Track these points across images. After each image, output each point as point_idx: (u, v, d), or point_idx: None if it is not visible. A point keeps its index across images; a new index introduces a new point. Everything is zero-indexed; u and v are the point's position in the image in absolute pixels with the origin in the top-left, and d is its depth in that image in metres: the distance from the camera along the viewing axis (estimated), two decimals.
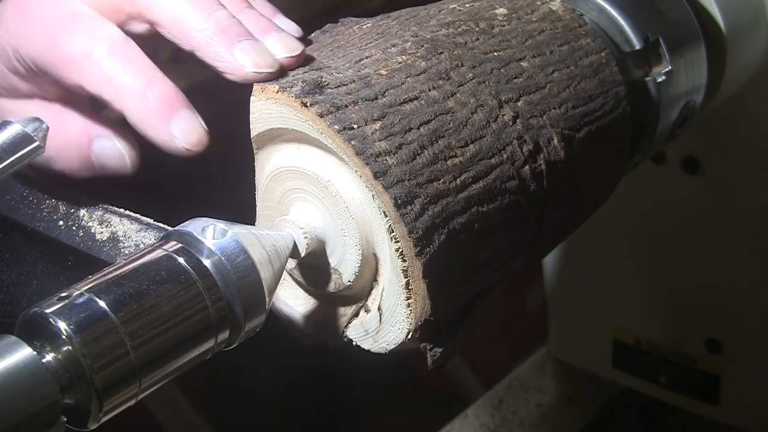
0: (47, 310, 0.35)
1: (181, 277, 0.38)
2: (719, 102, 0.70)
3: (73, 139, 0.50)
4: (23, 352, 0.34)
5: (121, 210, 0.46)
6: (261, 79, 0.46)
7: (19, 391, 0.34)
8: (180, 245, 0.40)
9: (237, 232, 0.41)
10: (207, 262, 0.39)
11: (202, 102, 0.48)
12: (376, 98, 0.44)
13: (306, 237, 0.45)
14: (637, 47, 0.60)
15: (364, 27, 0.52)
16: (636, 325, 0.95)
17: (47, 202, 0.47)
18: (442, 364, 0.48)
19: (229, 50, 0.46)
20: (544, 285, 1.02)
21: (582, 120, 0.52)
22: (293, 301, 0.50)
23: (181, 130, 0.46)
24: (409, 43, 0.48)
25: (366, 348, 0.48)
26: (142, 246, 0.43)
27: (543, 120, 0.49)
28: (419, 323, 0.45)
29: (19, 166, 0.42)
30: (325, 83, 0.44)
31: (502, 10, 0.54)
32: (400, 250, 0.43)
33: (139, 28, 0.49)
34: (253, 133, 0.47)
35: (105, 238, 0.44)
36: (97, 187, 0.50)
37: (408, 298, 0.44)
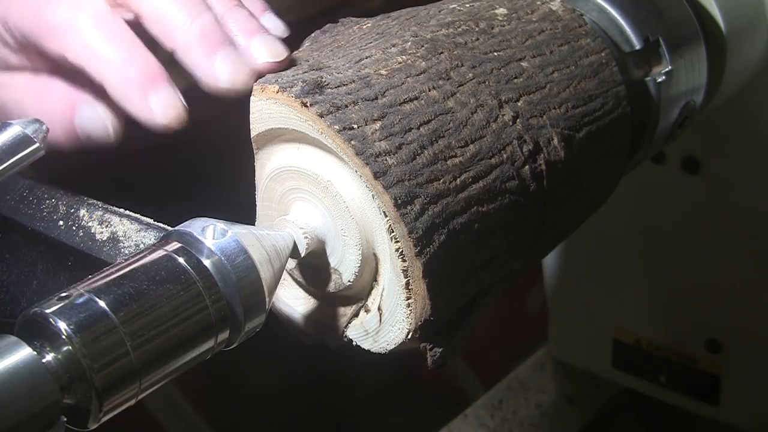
0: (47, 310, 0.35)
1: (181, 277, 0.38)
2: (719, 102, 0.70)
3: (57, 109, 0.50)
4: (23, 352, 0.34)
5: (121, 210, 0.46)
6: (232, 95, 0.46)
7: (19, 391, 0.34)
8: (180, 245, 0.40)
9: (237, 232, 0.41)
10: (207, 262, 0.39)
11: (202, 102, 0.48)
12: (376, 98, 0.44)
13: (306, 237, 0.45)
14: (637, 47, 0.60)
15: (364, 27, 0.52)
16: (636, 325, 0.95)
17: (47, 202, 0.47)
18: (442, 364, 0.48)
19: (209, 59, 0.46)
20: (544, 285, 1.02)
21: (582, 120, 0.52)
22: (293, 301, 0.50)
23: (159, 104, 0.46)
24: (409, 43, 0.48)
25: (366, 348, 0.48)
26: (142, 246, 0.43)
27: (543, 120, 0.49)
28: (419, 323, 0.45)
29: (19, 168, 0.42)
30: (325, 83, 0.44)
31: (502, 10, 0.54)
32: (400, 250, 0.43)
33: (126, 16, 0.49)
34: (253, 133, 0.47)
35: (105, 238, 0.44)
36: (97, 187, 0.50)
37: (408, 298, 0.44)
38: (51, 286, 0.45)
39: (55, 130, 0.49)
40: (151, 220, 0.45)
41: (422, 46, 0.48)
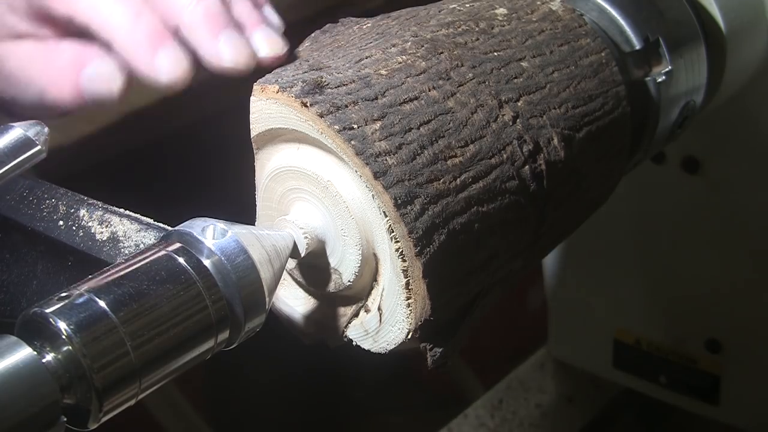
0: (47, 310, 0.35)
1: (181, 277, 0.38)
2: (719, 102, 0.70)
3: (64, 69, 0.51)
4: (23, 352, 0.34)
5: (121, 210, 0.46)
6: (234, 74, 0.46)
7: (19, 391, 0.34)
8: (180, 245, 0.40)
9: (237, 232, 0.41)
10: (207, 262, 0.39)
11: (202, 102, 0.48)
12: (376, 98, 0.44)
13: (306, 237, 0.46)
14: (637, 47, 0.60)
15: (364, 27, 0.52)
16: (636, 325, 0.95)
17: (47, 202, 0.47)
18: (442, 364, 0.48)
19: (213, 38, 0.47)
20: (544, 285, 1.02)
21: (582, 120, 0.52)
22: (293, 301, 0.50)
23: (166, 62, 0.47)
24: (409, 43, 0.48)
25: (366, 348, 0.48)
26: (142, 246, 0.43)
27: (543, 120, 0.49)
28: (419, 323, 0.45)
29: (21, 170, 0.42)
30: (325, 83, 0.44)
31: (502, 10, 0.54)
32: (400, 250, 0.43)
33: None
34: (253, 133, 0.47)
35: (105, 238, 0.44)
36: (97, 187, 0.50)
37: (408, 298, 0.44)
38: (51, 286, 0.45)
39: (61, 91, 0.51)
40: (151, 220, 0.45)
41: (422, 46, 0.48)
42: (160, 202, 0.52)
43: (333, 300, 0.49)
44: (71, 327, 0.35)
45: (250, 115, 0.46)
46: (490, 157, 0.46)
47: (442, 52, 0.48)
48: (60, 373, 0.35)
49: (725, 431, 0.93)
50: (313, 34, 0.52)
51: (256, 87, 0.45)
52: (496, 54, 0.50)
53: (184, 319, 0.38)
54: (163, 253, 0.39)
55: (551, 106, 0.50)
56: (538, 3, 0.56)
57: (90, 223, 0.45)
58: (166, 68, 0.47)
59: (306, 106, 0.43)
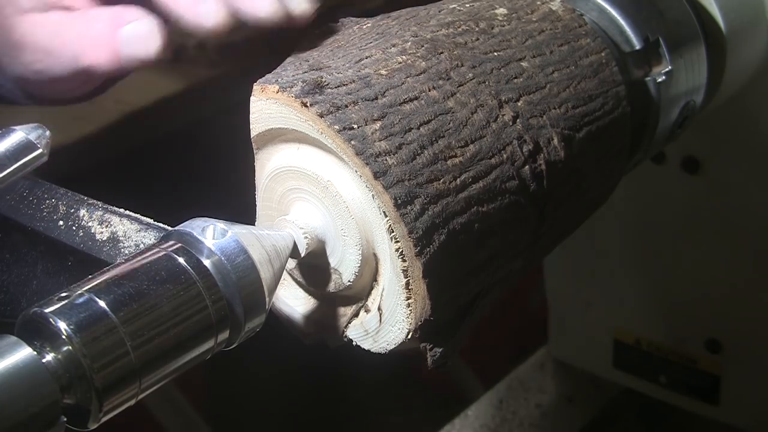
0: (47, 310, 0.35)
1: (181, 277, 0.38)
2: (719, 102, 0.70)
3: (102, 31, 0.52)
4: (23, 352, 0.34)
5: (121, 210, 0.46)
6: (267, 25, 0.49)
7: (19, 391, 0.34)
8: (180, 245, 0.40)
9: (237, 232, 0.41)
10: (207, 262, 0.39)
11: (202, 102, 0.48)
12: (376, 98, 0.44)
13: (306, 237, 0.45)
14: (637, 47, 0.60)
15: (364, 27, 0.52)
16: (636, 325, 0.95)
17: (47, 202, 0.47)
18: (442, 364, 0.48)
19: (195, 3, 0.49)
20: (544, 285, 1.02)
21: (582, 120, 0.52)
22: (293, 301, 0.50)
23: (208, 9, 0.49)
24: (409, 43, 0.48)
25: (366, 348, 0.48)
26: (142, 246, 0.43)
27: (543, 120, 0.49)
28: (419, 323, 0.45)
29: (22, 174, 0.42)
30: (325, 83, 0.44)
31: (502, 10, 0.54)
32: (400, 250, 0.43)
33: None
34: (253, 133, 0.47)
35: (105, 238, 0.44)
36: (97, 187, 0.50)
37: (408, 298, 0.44)
38: (51, 286, 0.45)
39: (98, 56, 0.52)
40: (151, 220, 0.45)
41: (422, 46, 0.48)
42: (160, 202, 0.52)
43: (333, 300, 0.49)
44: (71, 327, 0.35)
45: (250, 115, 0.46)
46: (490, 157, 0.46)
47: (442, 52, 0.48)
48: (60, 373, 0.35)
49: (725, 431, 0.93)
50: (313, 34, 0.52)
51: (256, 87, 0.45)
52: (496, 54, 0.50)
53: (184, 319, 0.38)
54: (163, 253, 0.39)
55: (551, 106, 0.50)
56: (538, 3, 0.56)
57: (90, 223, 0.45)
58: (210, 14, 0.49)
59: (306, 106, 0.43)
